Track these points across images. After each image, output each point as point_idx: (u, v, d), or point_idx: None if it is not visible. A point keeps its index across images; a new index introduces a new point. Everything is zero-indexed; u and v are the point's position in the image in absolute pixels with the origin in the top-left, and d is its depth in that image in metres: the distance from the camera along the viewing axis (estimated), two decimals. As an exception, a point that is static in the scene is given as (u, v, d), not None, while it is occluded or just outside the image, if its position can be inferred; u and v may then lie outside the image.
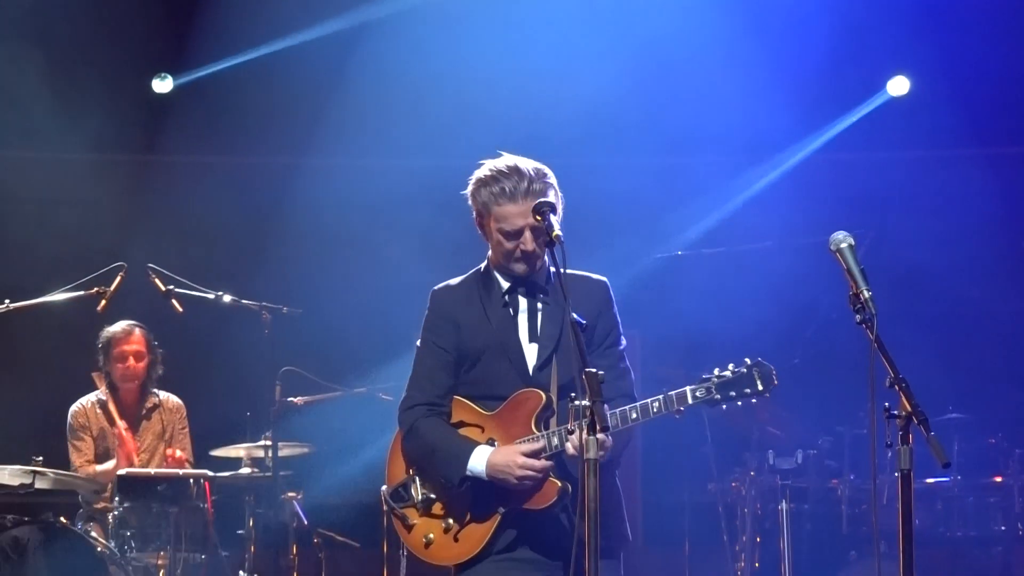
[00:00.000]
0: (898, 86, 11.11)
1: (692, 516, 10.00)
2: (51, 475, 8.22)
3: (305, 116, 11.06)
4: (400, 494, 5.21)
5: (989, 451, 9.51)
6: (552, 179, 5.06)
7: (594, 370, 4.46)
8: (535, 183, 4.99)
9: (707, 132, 10.72)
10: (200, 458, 9.12)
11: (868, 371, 4.50)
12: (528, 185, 4.98)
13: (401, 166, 11.05)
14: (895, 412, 4.46)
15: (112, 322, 8.92)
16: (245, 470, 8.95)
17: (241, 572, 8.78)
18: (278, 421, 8.93)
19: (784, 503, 9.21)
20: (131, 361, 8.89)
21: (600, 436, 4.43)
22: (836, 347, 9.38)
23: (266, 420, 8.97)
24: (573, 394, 4.59)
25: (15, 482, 8.08)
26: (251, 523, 8.92)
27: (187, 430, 9.12)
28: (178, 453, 8.81)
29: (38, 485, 8.10)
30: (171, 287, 8.66)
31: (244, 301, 8.90)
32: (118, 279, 8.19)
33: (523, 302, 5.15)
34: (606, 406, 4.79)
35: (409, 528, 5.20)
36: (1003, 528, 9.40)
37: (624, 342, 5.23)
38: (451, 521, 5.11)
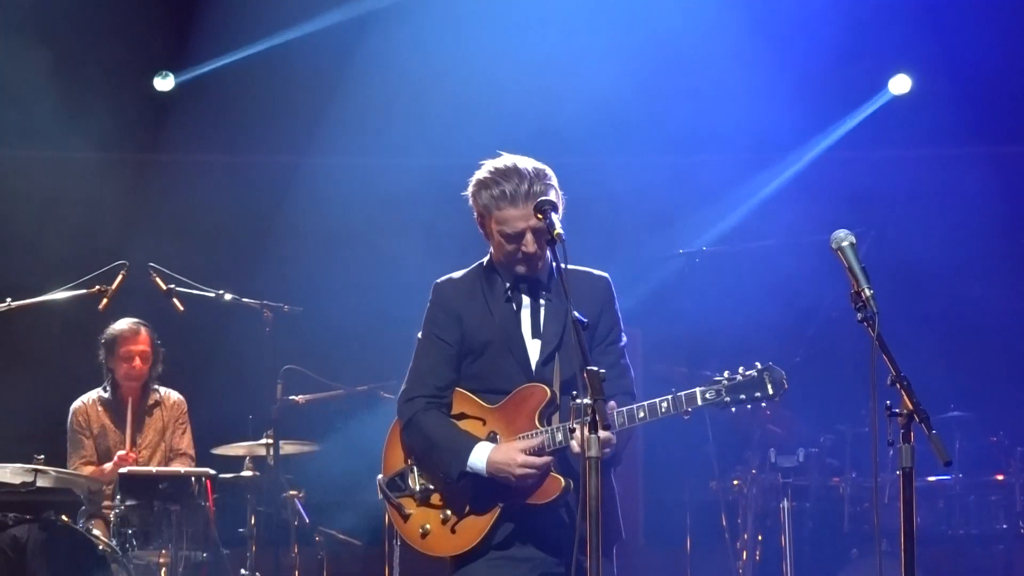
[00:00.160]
0: (900, 84, 11.10)
1: (694, 514, 10.00)
2: (53, 473, 8.22)
3: (307, 114, 11.06)
4: (397, 483, 5.21)
5: (990, 449, 9.51)
6: (552, 179, 5.05)
7: (596, 368, 4.45)
8: (535, 185, 4.98)
9: (711, 131, 10.71)
10: (202, 456, 9.12)
11: (869, 369, 4.50)
12: (529, 188, 4.98)
13: (403, 164, 11.04)
14: (896, 410, 4.46)
15: (114, 320, 8.92)
16: (247, 473, 8.95)
17: (243, 570, 8.78)
18: (279, 419, 8.93)
19: (786, 501, 9.21)
20: (137, 362, 8.89)
21: (604, 434, 4.44)
22: (837, 345, 9.38)
23: (267, 418, 8.98)
24: (575, 392, 4.59)
25: (17, 480, 8.07)
26: (253, 521, 8.93)
27: (188, 426, 9.12)
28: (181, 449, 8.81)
29: (40, 483, 8.09)
30: (172, 286, 8.66)
31: (245, 300, 8.90)
32: (119, 278, 8.19)
33: (526, 298, 5.15)
34: (612, 403, 4.82)
35: (405, 518, 5.20)
36: (1005, 526, 9.40)
37: (624, 339, 5.23)
38: (449, 512, 5.11)
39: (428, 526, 5.13)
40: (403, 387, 5.25)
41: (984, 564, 9.55)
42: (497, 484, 5.01)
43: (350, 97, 10.77)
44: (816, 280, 9.18)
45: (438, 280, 5.28)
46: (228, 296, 8.83)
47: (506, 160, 5.08)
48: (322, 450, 9.50)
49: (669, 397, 4.92)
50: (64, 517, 8.03)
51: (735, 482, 9.64)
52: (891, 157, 11.42)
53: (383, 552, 9.22)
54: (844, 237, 4.71)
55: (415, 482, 5.18)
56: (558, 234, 4.77)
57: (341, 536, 9.86)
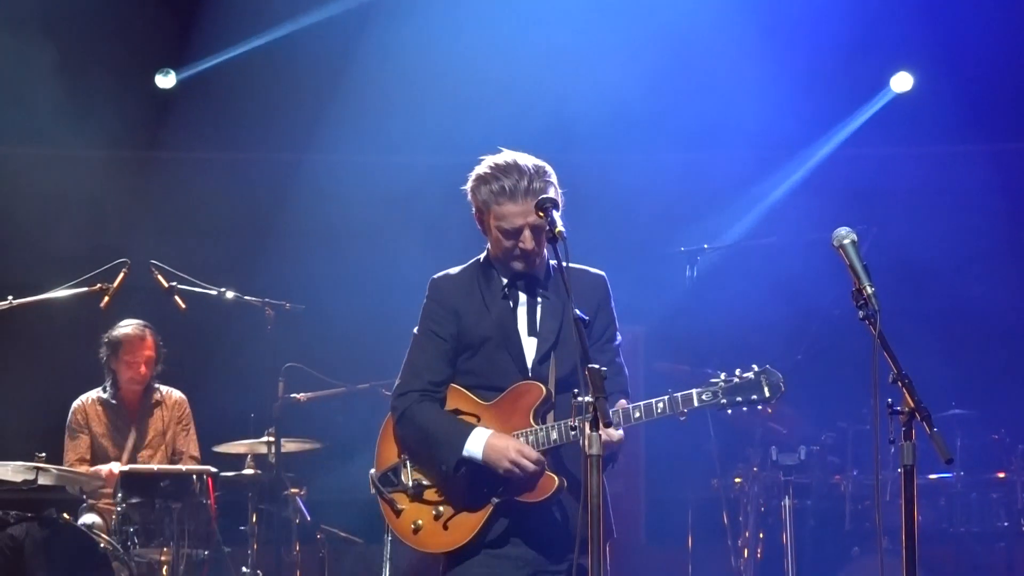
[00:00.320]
0: (901, 82, 11.09)
1: (695, 512, 9.99)
2: (54, 471, 8.23)
3: (309, 111, 11.05)
4: (389, 478, 5.20)
5: (992, 447, 9.50)
6: (552, 176, 5.05)
7: (597, 366, 4.45)
8: (535, 181, 4.98)
9: (715, 130, 10.71)
10: (203, 455, 9.12)
11: (871, 367, 4.50)
12: (528, 184, 4.97)
13: (405, 162, 11.04)
14: (898, 408, 4.47)
15: (116, 320, 8.91)
16: (248, 471, 8.95)
17: (244, 568, 8.78)
18: (281, 417, 8.93)
19: (787, 499, 9.20)
20: (143, 369, 8.91)
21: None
22: (839, 343, 9.36)
23: (269, 416, 8.98)
24: (576, 390, 4.59)
25: (18, 478, 8.08)
26: (254, 519, 8.93)
27: (192, 426, 9.12)
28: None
29: (41, 481, 8.10)
30: (174, 283, 8.67)
31: (247, 297, 8.90)
32: (121, 276, 8.20)
33: (523, 296, 5.16)
34: (623, 401, 4.83)
35: (397, 513, 5.19)
36: (1006, 524, 9.39)
37: (619, 338, 5.23)
38: (442, 509, 5.10)
39: (420, 522, 5.12)
40: (397, 382, 5.24)
41: (985, 562, 9.55)
42: (490, 481, 5.01)
43: (352, 94, 10.77)
44: (817, 278, 9.16)
45: (435, 276, 5.28)
46: (230, 294, 8.84)
47: (506, 156, 5.07)
48: (324, 448, 9.51)
49: (666, 398, 4.93)
50: (65, 515, 8.04)
51: (736, 480, 9.64)
52: (893, 155, 11.42)
53: (384, 550, 9.23)
54: (845, 235, 4.71)
55: (408, 477, 5.17)
56: (559, 232, 4.76)
57: (343, 534, 9.86)
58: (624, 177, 10.86)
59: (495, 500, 5.02)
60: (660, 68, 10.28)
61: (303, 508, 9.29)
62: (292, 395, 9.11)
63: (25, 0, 10.29)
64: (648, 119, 10.55)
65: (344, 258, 10.93)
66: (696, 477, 10.01)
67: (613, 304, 5.23)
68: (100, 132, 10.56)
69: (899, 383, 4.47)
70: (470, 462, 5.02)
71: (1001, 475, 9.43)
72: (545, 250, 5.13)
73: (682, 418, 4.94)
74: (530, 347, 5.12)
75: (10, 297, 7.96)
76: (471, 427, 5.05)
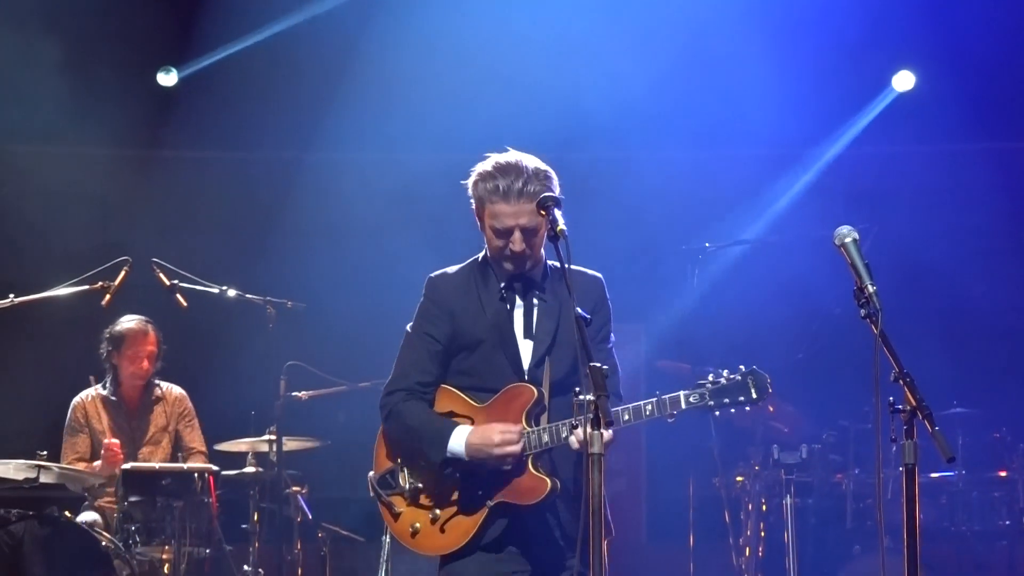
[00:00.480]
0: (903, 81, 11.09)
1: (697, 510, 9.99)
2: (56, 469, 8.22)
3: (311, 110, 11.05)
4: (387, 481, 5.20)
5: (993, 445, 9.50)
6: (553, 181, 5.02)
7: (599, 365, 4.45)
8: (531, 184, 4.96)
9: (720, 130, 10.71)
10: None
11: (873, 365, 4.50)
12: (523, 186, 4.96)
13: (407, 160, 11.04)
14: (900, 407, 4.47)
15: (117, 317, 8.91)
16: (250, 469, 8.95)
17: (245, 566, 8.79)
18: (283, 416, 8.94)
19: (788, 497, 9.21)
20: (145, 364, 8.91)
21: (607, 434, 4.44)
22: (840, 341, 9.37)
23: (271, 414, 8.98)
24: (577, 388, 4.59)
25: (20, 476, 8.08)
26: (256, 517, 8.93)
27: (195, 421, 9.11)
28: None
29: (43, 479, 8.09)
30: (175, 281, 8.67)
31: (249, 296, 8.91)
32: (122, 273, 8.19)
33: (519, 297, 5.14)
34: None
35: (396, 516, 5.19)
36: (1007, 522, 9.40)
37: (613, 338, 5.23)
38: (438, 512, 5.10)
39: (418, 525, 5.12)
40: (387, 380, 5.24)
41: (987, 560, 9.55)
42: (485, 483, 5.02)
43: (354, 91, 10.76)
44: (819, 276, 9.16)
45: (432, 274, 5.27)
46: (232, 292, 8.84)
47: (510, 156, 5.07)
48: (325, 446, 9.51)
49: (654, 400, 4.92)
50: (67, 513, 8.04)
51: (738, 478, 9.64)
52: (895, 153, 11.41)
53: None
54: (847, 233, 4.71)
55: (405, 480, 5.17)
56: (561, 230, 4.76)
57: (344, 532, 9.86)
58: (626, 176, 10.86)
59: (490, 503, 5.01)
60: (666, 66, 10.27)
61: (304, 506, 9.30)
62: (293, 393, 9.11)
63: (27, 1, 10.31)
64: (654, 117, 10.54)
65: (346, 256, 10.94)
66: (697, 475, 10.01)
67: (610, 305, 5.23)
68: (102, 130, 10.57)
69: (901, 381, 4.47)
70: (457, 461, 5.02)
71: (1003, 473, 9.44)
72: (542, 252, 5.13)
73: (670, 420, 4.93)
74: (526, 349, 5.11)
75: (11, 295, 7.96)
76: (454, 425, 5.05)
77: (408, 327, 5.25)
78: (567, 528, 5.04)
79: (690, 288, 10.39)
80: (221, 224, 11.24)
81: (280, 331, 8.92)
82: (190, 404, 9.14)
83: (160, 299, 8.78)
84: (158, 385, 9.07)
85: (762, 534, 9.50)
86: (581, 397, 4.46)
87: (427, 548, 5.14)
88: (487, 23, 10.23)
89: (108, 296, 8.15)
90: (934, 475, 9.40)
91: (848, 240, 4.69)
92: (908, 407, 4.45)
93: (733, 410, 4.96)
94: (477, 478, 5.03)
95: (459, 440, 5.01)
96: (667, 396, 4.92)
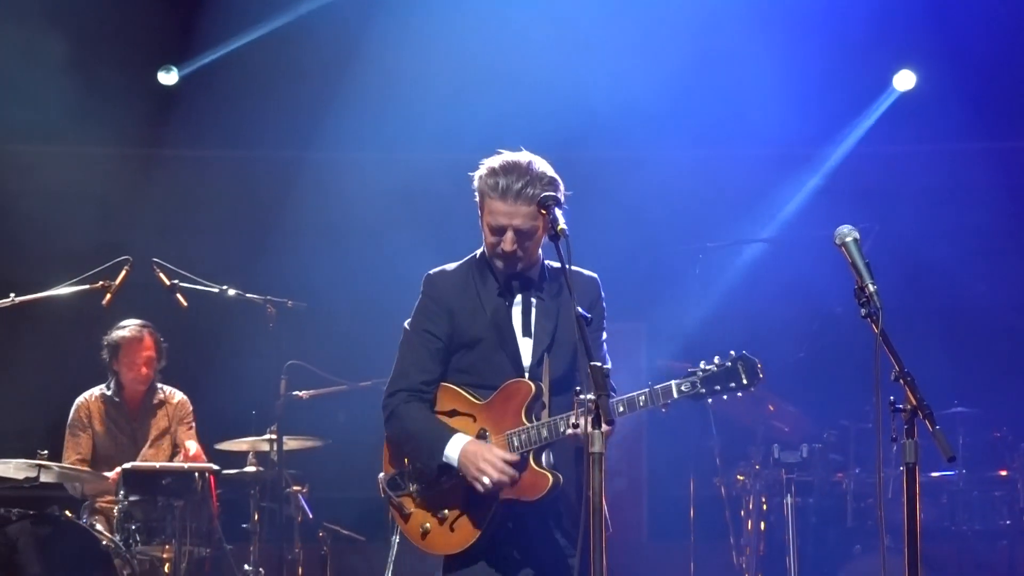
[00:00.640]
0: (904, 81, 11.08)
1: (697, 509, 9.99)
2: (56, 469, 8.23)
3: (312, 109, 11.05)
4: (397, 482, 5.21)
5: (994, 445, 9.50)
6: (559, 187, 5.01)
7: (600, 363, 4.46)
8: (531, 187, 4.96)
9: (724, 130, 10.71)
10: (206, 452, 9.11)
11: (873, 365, 4.50)
12: (522, 187, 4.96)
13: (408, 159, 11.03)
14: (900, 406, 4.47)
15: (118, 317, 8.91)
16: (250, 468, 8.95)
17: (246, 566, 8.78)
18: (283, 415, 8.94)
19: (789, 497, 9.20)
20: (143, 370, 8.91)
21: (605, 429, 4.44)
22: (841, 341, 9.37)
23: (271, 414, 8.98)
24: (579, 387, 4.60)
25: (20, 476, 8.08)
26: (256, 517, 8.93)
27: (194, 425, 9.11)
28: (191, 450, 8.79)
29: (43, 479, 8.11)
30: (176, 281, 8.67)
31: (249, 295, 8.91)
32: (123, 273, 8.20)
33: (518, 295, 5.15)
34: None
35: (406, 517, 5.21)
36: (1008, 522, 9.39)
37: (605, 334, 5.23)
38: (447, 511, 5.11)
39: (427, 525, 5.14)
40: (389, 379, 5.25)
41: (987, 560, 9.54)
42: None
43: (356, 90, 10.75)
44: (820, 276, 9.16)
45: (430, 272, 5.27)
46: (232, 291, 8.84)
47: (520, 156, 5.06)
48: (326, 446, 9.51)
49: (646, 391, 4.94)
50: (68, 512, 8.05)
51: (739, 477, 9.64)
52: (896, 153, 11.41)
53: (386, 548, 9.23)
54: (848, 232, 4.71)
55: (413, 481, 5.18)
56: (562, 229, 4.77)
57: (345, 532, 9.86)
58: (628, 175, 10.85)
59: (495, 501, 5.02)
60: (669, 65, 10.25)
61: (305, 506, 9.30)
62: (294, 392, 9.11)
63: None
64: (655, 116, 10.52)
65: (346, 256, 10.94)
66: (698, 475, 10.01)
67: (604, 304, 5.23)
68: (102, 129, 10.57)
69: (901, 381, 4.47)
70: (453, 467, 5.04)
71: (1003, 473, 9.43)
72: (539, 252, 5.14)
73: (663, 410, 4.95)
74: (525, 347, 5.12)
75: (12, 294, 7.96)
76: (451, 432, 5.06)
77: (406, 324, 5.25)
78: (568, 528, 5.05)
79: (691, 287, 10.39)
80: (222, 223, 11.24)
81: (280, 330, 8.92)
82: (191, 409, 9.14)
83: (160, 299, 8.78)
84: (161, 389, 9.07)
85: (762, 533, 9.49)
86: (582, 396, 4.47)
87: (437, 548, 5.15)
88: (489, 21, 10.22)
89: (109, 295, 8.15)
90: (935, 474, 9.39)
91: (849, 239, 4.69)
92: (909, 406, 4.45)
93: (725, 396, 4.97)
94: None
95: (455, 449, 5.02)
96: (659, 386, 4.94)
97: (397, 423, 5.16)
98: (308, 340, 9.77)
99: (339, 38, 10.63)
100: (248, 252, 10.95)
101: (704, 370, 4.96)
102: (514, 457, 4.97)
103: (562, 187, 5.03)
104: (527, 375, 5.08)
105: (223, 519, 8.66)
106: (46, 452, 8.20)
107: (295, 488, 9.22)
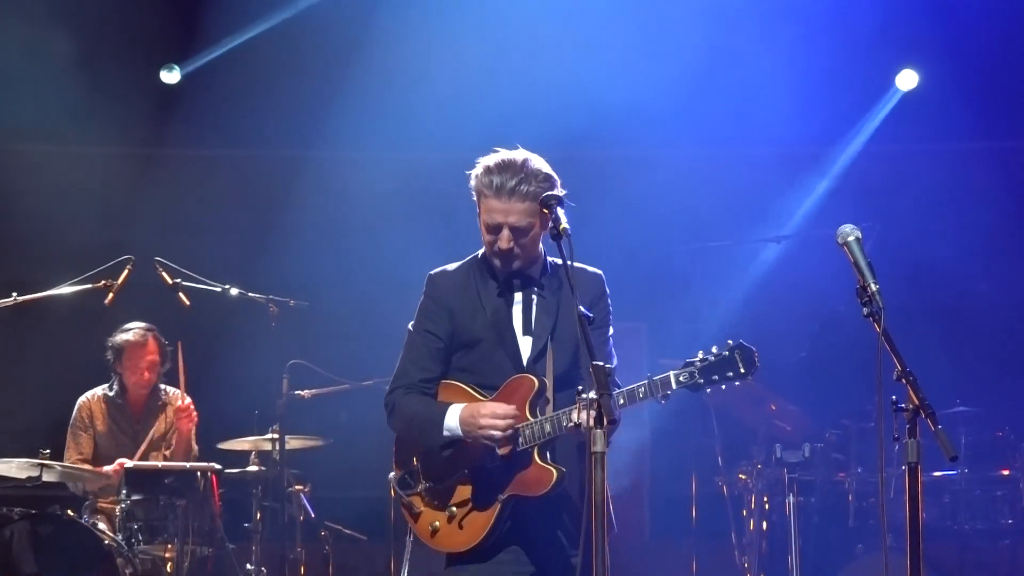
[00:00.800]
0: (906, 80, 11.07)
1: (699, 509, 10.00)
2: (58, 468, 8.23)
3: (313, 108, 11.03)
4: (407, 481, 5.25)
5: (996, 444, 9.49)
6: (555, 184, 5.02)
7: (602, 363, 4.47)
8: (526, 184, 4.97)
9: (723, 130, 10.70)
10: (207, 451, 9.12)
11: (875, 364, 4.50)
12: (516, 184, 4.97)
13: (410, 159, 11.02)
14: (902, 405, 4.47)
15: (120, 316, 8.91)
16: (252, 467, 8.95)
17: (248, 565, 8.79)
18: (285, 414, 8.94)
19: (791, 496, 9.20)
20: (146, 374, 8.91)
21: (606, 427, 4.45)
22: (843, 340, 9.37)
23: (273, 413, 8.98)
24: (580, 387, 4.61)
25: (22, 475, 8.08)
26: (258, 516, 8.94)
27: (193, 428, 9.09)
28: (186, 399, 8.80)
29: (45, 478, 8.10)
30: (178, 280, 8.67)
31: (251, 294, 8.91)
32: (125, 272, 8.20)
33: (518, 294, 5.17)
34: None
35: (416, 516, 5.24)
36: (1010, 521, 9.39)
37: (612, 330, 5.24)
38: (455, 509, 5.13)
39: (437, 523, 5.16)
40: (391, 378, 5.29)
41: (989, 559, 9.54)
42: (495, 478, 5.05)
43: (358, 89, 10.74)
44: (822, 275, 9.15)
45: (432, 272, 5.30)
46: (234, 291, 8.85)
47: (515, 154, 5.07)
48: (328, 445, 9.51)
49: (645, 382, 4.94)
50: (69, 511, 8.05)
51: (741, 477, 9.64)
52: (898, 152, 11.40)
53: (389, 547, 9.24)
54: (850, 232, 4.72)
55: (421, 480, 5.21)
56: (564, 228, 4.78)
57: (347, 531, 9.87)
58: (630, 174, 10.85)
59: (501, 497, 5.04)
60: (672, 65, 10.25)
61: (307, 505, 9.30)
62: (296, 392, 9.11)
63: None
64: (657, 116, 10.51)
65: (349, 255, 10.93)
66: (700, 474, 10.02)
67: (609, 301, 5.24)
68: (105, 128, 10.57)
69: (903, 380, 4.47)
70: (459, 443, 5.06)
71: (1005, 472, 9.42)
72: (540, 249, 5.15)
73: (663, 401, 4.94)
74: (525, 345, 5.14)
75: (14, 294, 7.97)
76: (447, 405, 5.09)
77: (410, 325, 5.28)
78: (570, 526, 5.06)
79: (693, 286, 10.39)
80: (224, 222, 11.24)
81: (283, 330, 8.92)
82: (194, 412, 9.13)
83: (163, 298, 8.78)
84: (164, 390, 9.06)
85: (764, 532, 9.49)
86: (584, 396, 4.47)
87: (447, 545, 5.18)
88: (494, 19, 10.21)
89: (111, 295, 8.16)
90: (937, 474, 9.38)
91: (851, 239, 4.69)
92: (911, 406, 4.45)
93: (723, 386, 4.97)
94: (487, 473, 5.07)
95: (453, 416, 5.05)
96: (658, 377, 4.94)
97: (398, 415, 5.21)
98: (310, 339, 9.77)
99: (341, 36, 10.63)
100: (250, 251, 10.95)
101: (702, 360, 4.96)
102: (508, 407, 4.99)
103: (559, 184, 5.04)
104: (526, 371, 5.09)
105: (225, 518, 8.66)
106: (48, 451, 8.20)
107: (297, 487, 9.22)
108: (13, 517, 7.81)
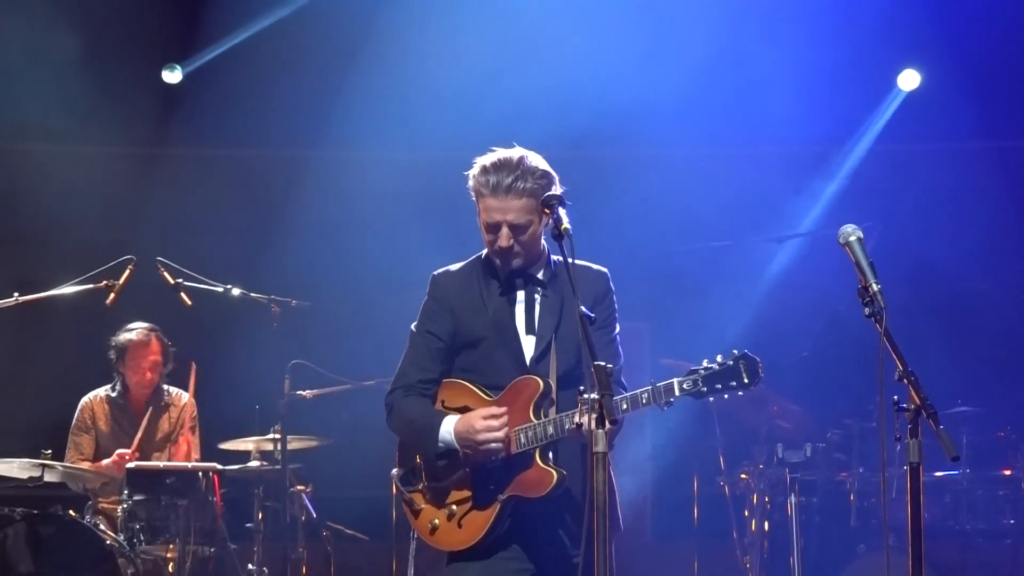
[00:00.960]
0: (908, 80, 11.06)
1: (701, 509, 9.99)
2: (60, 468, 8.24)
3: (315, 108, 11.04)
4: (409, 478, 5.26)
5: (998, 444, 9.48)
6: (553, 181, 5.03)
7: (603, 363, 4.46)
8: (522, 181, 4.98)
9: (725, 130, 10.70)
10: (209, 451, 9.12)
11: (877, 364, 4.50)
12: (513, 181, 4.98)
13: (412, 158, 11.01)
14: (904, 405, 4.46)
15: (122, 316, 8.91)
16: (254, 463, 8.95)
17: (250, 565, 8.79)
18: (287, 414, 8.93)
19: (793, 496, 9.20)
20: (148, 374, 8.91)
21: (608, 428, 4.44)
22: (845, 340, 9.36)
23: (275, 413, 8.98)
24: (582, 387, 4.61)
25: (24, 475, 8.09)
26: (260, 516, 8.94)
27: (197, 429, 9.10)
28: (182, 449, 8.80)
29: (47, 478, 8.11)
30: (180, 280, 8.67)
31: (253, 294, 8.91)
32: (127, 272, 8.21)
33: (521, 293, 5.17)
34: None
35: (416, 513, 5.24)
36: (1012, 521, 9.38)
37: (617, 327, 5.24)
38: (455, 507, 5.14)
39: (436, 521, 5.17)
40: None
41: (991, 559, 9.53)
42: (495, 478, 5.05)
43: (360, 89, 10.74)
44: (824, 274, 9.15)
45: (435, 272, 5.31)
46: (236, 291, 8.85)
47: (511, 152, 5.08)
48: (329, 445, 9.51)
49: (649, 388, 4.93)
50: (71, 512, 8.05)
51: (742, 477, 9.64)
52: (900, 152, 11.39)
53: (390, 546, 9.23)
54: (852, 232, 4.71)
55: (423, 477, 5.21)
56: (565, 228, 4.78)
57: (348, 531, 9.87)
58: (632, 173, 10.84)
59: (501, 497, 5.04)
60: (676, 64, 10.24)
61: (309, 505, 9.30)
62: (298, 392, 9.11)
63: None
64: (658, 115, 10.51)
65: (350, 255, 10.93)
66: (702, 474, 10.01)
67: (614, 298, 5.24)
68: (106, 128, 10.57)
69: (905, 380, 4.46)
70: (453, 452, 5.07)
71: (1007, 472, 9.41)
72: (542, 247, 5.15)
73: (665, 407, 4.94)
74: (528, 345, 5.14)
75: (16, 294, 7.97)
76: (443, 415, 5.10)
77: (412, 326, 5.29)
78: (572, 526, 5.05)
79: (695, 286, 10.37)
80: (226, 222, 11.23)
81: (284, 329, 8.92)
82: (196, 412, 9.14)
83: (165, 298, 8.78)
84: (167, 391, 9.07)
85: (766, 532, 9.49)
86: (586, 396, 4.47)
87: (446, 544, 5.18)
88: (500, 16, 10.20)
89: (113, 295, 8.16)
90: (938, 474, 9.38)
91: (852, 238, 4.69)
92: (912, 405, 4.44)
93: (726, 395, 4.96)
94: (487, 472, 5.07)
95: (448, 431, 5.06)
96: (661, 384, 4.93)
97: (397, 417, 5.23)
98: (312, 339, 9.77)
99: (343, 35, 10.62)
100: (252, 251, 10.95)
101: (706, 368, 4.96)
102: (499, 409, 4.99)
103: (557, 181, 5.05)
104: (529, 371, 5.09)
105: (227, 518, 8.66)
106: (50, 451, 8.21)
107: (299, 487, 9.22)
108: (15, 517, 7.81)
